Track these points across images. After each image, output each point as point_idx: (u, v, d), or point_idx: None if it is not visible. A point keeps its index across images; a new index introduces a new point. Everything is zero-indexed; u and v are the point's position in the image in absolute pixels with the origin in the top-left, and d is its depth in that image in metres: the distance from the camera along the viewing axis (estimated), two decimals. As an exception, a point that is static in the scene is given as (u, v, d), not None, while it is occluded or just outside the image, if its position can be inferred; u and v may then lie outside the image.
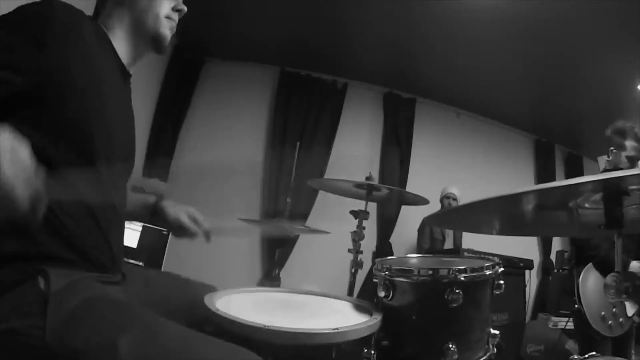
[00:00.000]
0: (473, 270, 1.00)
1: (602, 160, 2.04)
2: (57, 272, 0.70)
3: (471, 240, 3.52)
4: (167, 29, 0.98)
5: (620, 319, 1.86)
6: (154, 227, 2.75)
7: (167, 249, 2.74)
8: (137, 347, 0.65)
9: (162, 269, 2.67)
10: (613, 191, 0.76)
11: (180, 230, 1.06)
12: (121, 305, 0.77)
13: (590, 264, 2.00)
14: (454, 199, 3.50)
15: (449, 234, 3.56)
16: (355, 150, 4.09)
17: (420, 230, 3.57)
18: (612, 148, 2.04)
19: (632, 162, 1.99)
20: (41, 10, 0.75)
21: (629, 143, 2.01)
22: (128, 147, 0.98)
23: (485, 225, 1.22)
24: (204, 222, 1.09)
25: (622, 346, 1.90)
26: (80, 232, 0.78)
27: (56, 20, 0.75)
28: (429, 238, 3.49)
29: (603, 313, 1.86)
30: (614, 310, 1.87)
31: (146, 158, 3.31)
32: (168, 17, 0.98)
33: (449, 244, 3.55)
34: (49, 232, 0.73)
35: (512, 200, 0.81)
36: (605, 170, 2.09)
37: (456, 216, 1.18)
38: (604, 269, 1.92)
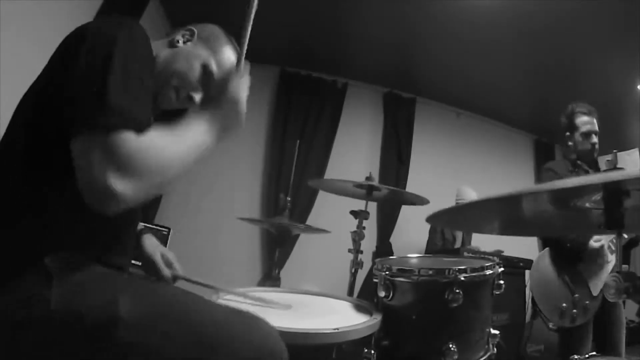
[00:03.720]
0: (473, 270, 1.00)
1: (603, 160, 2.04)
2: (65, 255, 0.72)
3: (473, 241, 3.52)
4: (168, 95, 0.95)
5: (587, 302, 1.78)
6: (154, 227, 2.75)
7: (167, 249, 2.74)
8: (136, 302, 0.68)
9: (162, 269, 2.66)
10: (613, 191, 0.76)
11: (151, 268, 1.04)
12: (122, 274, 0.80)
13: (543, 251, 1.94)
14: None
15: (459, 235, 3.55)
16: (355, 150, 4.09)
17: (432, 229, 3.55)
18: (567, 133, 2.07)
19: (587, 136, 2.00)
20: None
21: (580, 119, 2.03)
22: None
23: (486, 225, 1.22)
24: (177, 268, 1.06)
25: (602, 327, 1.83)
26: (95, 234, 0.78)
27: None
28: (441, 238, 3.48)
29: (564, 305, 1.77)
30: (575, 296, 1.78)
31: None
32: (177, 90, 0.95)
33: (458, 245, 3.54)
34: (62, 230, 0.74)
35: (513, 201, 0.81)
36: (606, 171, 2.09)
37: (457, 216, 1.18)
38: (560, 249, 1.87)
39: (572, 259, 1.85)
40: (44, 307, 0.65)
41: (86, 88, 0.65)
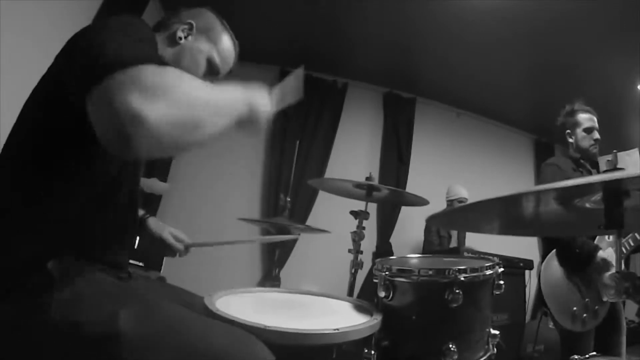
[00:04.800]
0: (473, 270, 1.00)
1: (603, 160, 2.04)
2: (67, 259, 0.72)
3: (472, 240, 3.52)
4: None
5: (596, 306, 1.75)
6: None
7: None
8: (137, 319, 0.68)
9: (162, 270, 2.67)
10: (613, 191, 0.76)
11: (163, 248, 1.06)
12: (123, 285, 0.80)
13: (552, 252, 1.88)
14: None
15: (454, 233, 3.57)
16: (355, 150, 4.09)
17: (427, 229, 3.57)
18: (568, 131, 2.05)
19: (589, 132, 1.99)
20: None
21: (582, 116, 2.02)
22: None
23: (486, 225, 1.22)
24: (186, 239, 1.09)
25: (605, 333, 1.80)
26: (97, 233, 0.79)
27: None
28: (437, 236, 3.49)
29: (575, 309, 1.74)
30: (586, 301, 1.75)
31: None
32: None
33: (453, 242, 3.56)
34: (66, 232, 0.74)
35: (513, 201, 0.81)
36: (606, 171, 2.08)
37: (457, 216, 1.18)
38: (569, 253, 1.82)
39: (580, 263, 1.81)
40: (44, 313, 0.65)
41: (91, 54, 0.60)
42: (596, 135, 1.99)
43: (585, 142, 1.99)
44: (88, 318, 0.66)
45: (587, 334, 1.78)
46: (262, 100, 0.81)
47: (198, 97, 0.61)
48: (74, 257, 0.73)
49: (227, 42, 1.03)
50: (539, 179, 2.07)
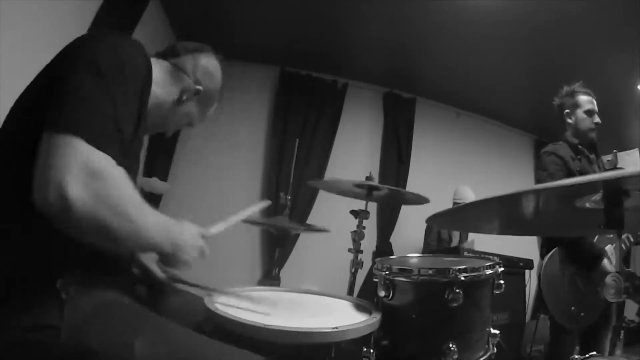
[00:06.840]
0: (473, 270, 1.00)
1: (603, 160, 2.03)
2: (75, 277, 0.71)
3: (468, 239, 3.52)
4: (152, 131, 1.04)
5: (594, 303, 1.73)
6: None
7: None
8: (150, 348, 0.67)
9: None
10: (613, 191, 0.76)
11: (147, 275, 1.03)
12: (134, 308, 0.78)
13: (554, 250, 1.84)
14: None
15: (455, 235, 3.55)
16: (355, 150, 4.09)
17: (428, 230, 3.56)
18: (567, 111, 2.00)
19: (590, 114, 1.95)
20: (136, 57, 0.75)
21: (582, 97, 1.99)
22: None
23: (486, 225, 1.22)
24: (173, 272, 1.05)
25: (595, 334, 1.79)
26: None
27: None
28: (436, 238, 3.49)
29: (573, 308, 1.72)
30: (584, 299, 1.73)
31: (146, 157, 3.31)
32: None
33: (454, 245, 3.55)
34: (69, 238, 0.73)
35: (513, 200, 0.81)
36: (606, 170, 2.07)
37: (457, 216, 1.18)
38: (574, 253, 1.80)
39: (585, 266, 1.79)
40: (54, 336, 0.65)
41: (77, 102, 0.64)
42: (597, 118, 1.94)
43: (586, 124, 1.94)
44: (101, 345, 0.65)
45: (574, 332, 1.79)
46: (189, 239, 0.86)
47: (125, 210, 0.64)
48: (81, 272, 0.72)
49: (210, 113, 1.08)
50: (537, 168, 2.01)
